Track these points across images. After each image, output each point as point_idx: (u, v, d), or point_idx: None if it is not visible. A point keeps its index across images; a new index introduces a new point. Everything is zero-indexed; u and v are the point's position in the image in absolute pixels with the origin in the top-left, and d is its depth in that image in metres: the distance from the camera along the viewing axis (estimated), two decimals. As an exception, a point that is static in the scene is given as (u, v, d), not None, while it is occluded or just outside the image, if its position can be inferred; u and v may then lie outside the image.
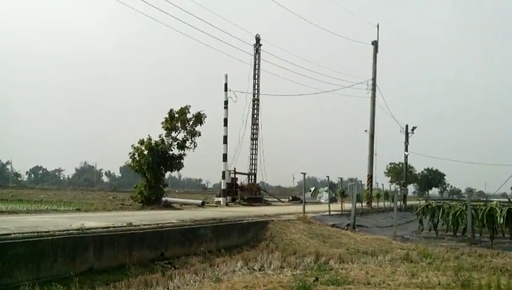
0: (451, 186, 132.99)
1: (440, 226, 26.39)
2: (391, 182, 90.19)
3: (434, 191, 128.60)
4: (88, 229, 13.50)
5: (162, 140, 32.13)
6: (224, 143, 41.56)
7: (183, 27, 37.22)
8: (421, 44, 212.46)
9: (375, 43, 48.81)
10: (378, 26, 49.18)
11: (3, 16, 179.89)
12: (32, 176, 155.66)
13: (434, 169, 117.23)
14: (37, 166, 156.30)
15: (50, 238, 11.90)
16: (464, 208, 23.78)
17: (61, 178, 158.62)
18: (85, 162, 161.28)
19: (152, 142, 31.52)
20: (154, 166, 31.15)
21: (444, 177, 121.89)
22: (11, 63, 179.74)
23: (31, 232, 12.17)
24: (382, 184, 52.63)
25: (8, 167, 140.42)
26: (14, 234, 11.80)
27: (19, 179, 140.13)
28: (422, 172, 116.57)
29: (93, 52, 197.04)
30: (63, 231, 12.90)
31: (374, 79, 48.43)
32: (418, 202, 37.87)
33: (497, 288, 10.92)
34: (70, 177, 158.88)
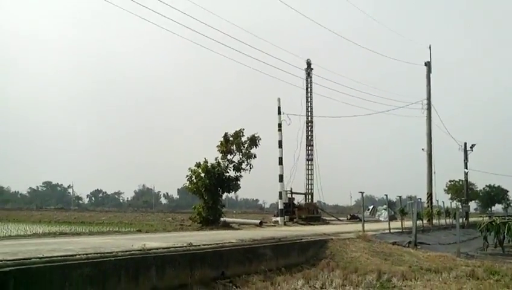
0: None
1: (506, 242, 25.55)
2: (452, 199, 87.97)
3: (497, 208, 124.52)
4: (150, 250, 13.69)
5: (218, 163, 32.44)
6: (279, 164, 41.83)
7: (236, 55, 37.94)
8: (476, 61, 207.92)
9: (428, 64, 48.71)
10: (430, 48, 49.15)
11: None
12: (93, 199, 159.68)
13: (496, 185, 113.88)
14: (97, 189, 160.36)
15: (113, 259, 12.11)
16: (531, 223, 22.98)
17: (121, 201, 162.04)
18: (143, 184, 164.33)
19: (208, 164, 31.84)
20: (211, 188, 31.43)
21: (507, 193, 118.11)
22: (69, 92, 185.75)
23: (94, 253, 12.43)
24: (443, 201, 51.59)
25: (70, 190, 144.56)
26: (78, 255, 12.07)
27: (80, 202, 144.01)
28: (484, 189, 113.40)
29: (148, 80, 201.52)
30: (126, 251, 13.12)
31: (428, 98, 48.13)
32: (481, 218, 36.81)
33: None
34: (129, 199, 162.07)
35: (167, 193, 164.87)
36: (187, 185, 32.49)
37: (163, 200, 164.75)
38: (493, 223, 26.11)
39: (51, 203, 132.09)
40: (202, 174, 31.61)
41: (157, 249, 14.17)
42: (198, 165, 31.93)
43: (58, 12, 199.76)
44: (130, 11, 26.15)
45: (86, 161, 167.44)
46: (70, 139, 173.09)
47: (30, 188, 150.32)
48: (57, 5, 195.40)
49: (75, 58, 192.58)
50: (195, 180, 31.74)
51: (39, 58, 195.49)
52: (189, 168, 32.03)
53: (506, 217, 29.01)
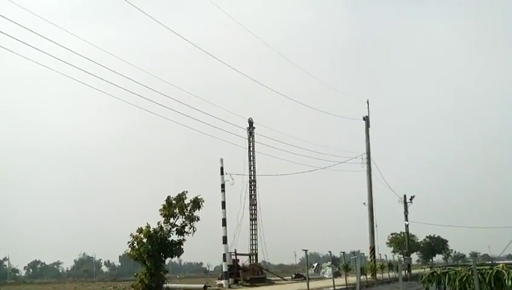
0: (455, 252, 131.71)
1: (448, 293, 25.96)
2: (394, 252, 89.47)
3: (438, 258, 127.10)
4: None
5: (161, 227, 31.96)
6: (223, 225, 41.65)
7: (178, 116, 38.27)
8: (413, 114, 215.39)
9: (366, 118, 50.26)
10: (368, 102, 50.78)
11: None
12: (31, 270, 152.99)
13: (436, 236, 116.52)
14: (35, 260, 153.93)
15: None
16: (470, 273, 23.45)
17: (60, 271, 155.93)
18: (84, 253, 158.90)
19: (151, 229, 31.35)
20: (154, 253, 30.83)
21: (447, 243, 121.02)
22: (7, 162, 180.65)
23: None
24: (385, 255, 52.47)
25: (6, 263, 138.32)
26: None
27: (17, 274, 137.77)
28: (424, 240, 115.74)
29: (86, 148, 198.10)
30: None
31: (368, 153, 49.58)
32: (422, 270, 37.39)
33: None
34: (69, 269, 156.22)
35: (108, 261, 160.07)
36: (129, 251, 31.77)
37: (104, 269, 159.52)
38: (434, 274, 26.47)
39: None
40: (144, 240, 31.01)
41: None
42: (140, 230, 31.35)
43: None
44: (70, 76, 26.05)
45: (22, 232, 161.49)
46: (5, 210, 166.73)
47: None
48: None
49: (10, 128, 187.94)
50: (137, 247, 31.07)
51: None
52: (131, 234, 31.41)
53: (447, 267, 29.53)
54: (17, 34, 21.65)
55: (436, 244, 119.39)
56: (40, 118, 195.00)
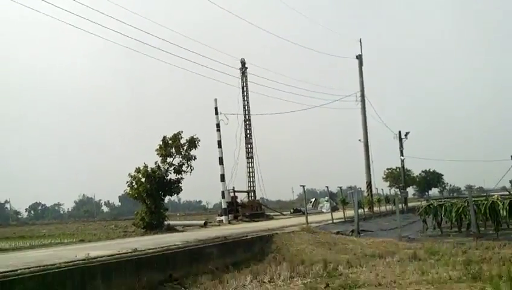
0: (450, 185, 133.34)
1: (444, 224, 26.41)
2: (390, 186, 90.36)
3: (434, 192, 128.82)
4: (94, 258, 13.48)
5: (158, 166, 32.17)
6: (220, 164, 41.89)
7: (171, 58, 37.71)
8: (405, 54, 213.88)
9: (359, 57, 50.08)
10: (360, 41, 50.65)
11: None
12: (32, 212, 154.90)
13: (432, 170, 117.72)
14: (36, 202, 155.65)
15: (57, 270, 11.88)
16: (466, 204, 23.79)
17: (61, 212, 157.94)
18: (83, 194, 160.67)
19: (148, 169, 31.54)
20: (152, 192, 31.16)
21: (442, 177, 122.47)
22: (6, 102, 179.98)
23: (37, 267, 12.14)
24: (382, 189, 52.94)
25: (7, 205, 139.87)
26: (20, 269, 11.76)
27: (19, 216, 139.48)
28: (420, 174, 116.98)
29: (83, 90, 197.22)
30: (69, 262, 12.87)
31: (362, 91, 49.57)
32: (419, 203, 37.92)
33: (508, 277, 10.92)
34: (70, 210, 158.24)
35: (108, 201, 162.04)
36: (128, 191, 32.07)
37: (104, 209, 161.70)
38: (431, 206, 26.89)
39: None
40: (143, 179, 31.28)
41: (101, 257, 13.95)
42: (138, 170, 31.57)
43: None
44: (61, 20, 25.63)
45: (23, 174, 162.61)
46: (3, 153, 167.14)
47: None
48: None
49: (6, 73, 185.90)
50: (136, 186, 31.36)
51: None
52: (129, 174, 31.64)
53: (443, 200, 29.97)
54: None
55: (431, 178, 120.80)
56: (35, 64, 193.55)
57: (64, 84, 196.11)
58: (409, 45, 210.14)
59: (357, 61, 50.44)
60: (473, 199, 23.53)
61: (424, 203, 30.61)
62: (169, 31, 35.67)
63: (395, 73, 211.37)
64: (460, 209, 24.32)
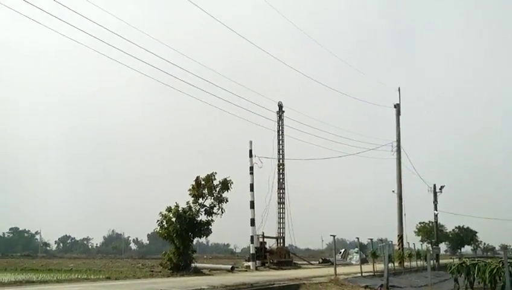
0: (484, 244, 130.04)
1: (476, 284, 25.66)
2: (422, 241, 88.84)
3: (467, 249, 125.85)
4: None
5: (190, 207, 32.17)
6: (251, 208, 41.71)
7: (208, 97, 38.13)
8: (445, 104, 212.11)
9: (397, 106, 49.82)
10: (399, 90, 50.43)
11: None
12: (61, 245, 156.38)
13: (465, 227, 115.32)
14: (66, 235, 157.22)
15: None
16: (501, 265, 23.13)
17: (90, 247, 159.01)
18: (113, 230, 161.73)
19: (180, 209, 31.57)
20: (182, 233, 31.08)
21: (476, 234, 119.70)
22: (40, 136, 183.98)
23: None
24: (413, 244, 51.96)
25: (37, 236, 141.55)
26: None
27: (48, 248, 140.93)
28: (453, 230, 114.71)
29: (117, 124, 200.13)
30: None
31: (398, 141, 49.14)
32: (451, 260, 37.01)
33: None
34: (98, 245, 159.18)
35: (137, 239, 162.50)
36: (158, 230, 32.06)
37: (133, 246, 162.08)
38: (463, 264, 26.21)
39: (17, 250, 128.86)
40: (173, 219, 31.28)
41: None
42: (169, 209, 31.63)
43: (26, 51, 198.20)
44: (100, 52, 26.18)
45: (54, 206, 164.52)
46: (39, 184, 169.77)
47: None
48: (22, 44, 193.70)
49: (46, 100, 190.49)
50: (166, 225, 31.36)
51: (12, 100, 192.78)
52: (160, 213, 31.69)
53: (476, 259, 29.19)
54: (45, 5, 21.73)
55: (465, 235, 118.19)
56: (71, 92, 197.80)
57: (102, 118, 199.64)
58: (447, 94, 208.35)
59: (394, 110, 50.18)
60: (509, 261, 22.87)
61: (457, 261, 29.86)
62: (208, 69, 36.14)
63: (432, 123, 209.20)
64: (495, 270, 23.64)
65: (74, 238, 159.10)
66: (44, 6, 21.22)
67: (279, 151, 48.19)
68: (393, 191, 48.65)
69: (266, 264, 41.62)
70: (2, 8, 21.51)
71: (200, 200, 32.63)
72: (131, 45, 26.62)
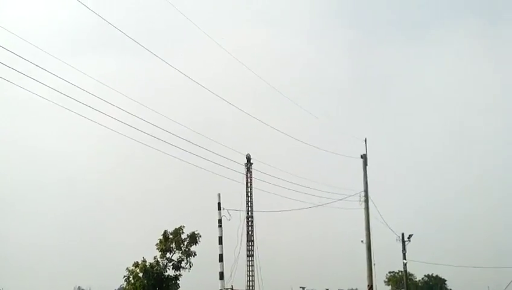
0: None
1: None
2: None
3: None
4: None
5: (157, 261, 31.88)
6: (220, 261, 41.26)
7: (176, 151, 38.22)
8: (411, 154, 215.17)
9: (364, 156, 50.39)
10: (365, 141, 51.16)
11: None
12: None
13: (434, 275, 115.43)
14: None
15: None
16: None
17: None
18: (78, 286, 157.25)
19: (147, 264, 31.19)
20: (149, 288, 30.63)
21: (446, 282, 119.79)
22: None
23: None
24: (384, 294, 51.81)
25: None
26: None
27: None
28: (422, 279, 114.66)
29: (82, 180, 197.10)
30: None
31: (366, 191, 49.51)
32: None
33: None
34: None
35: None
36: (124, 286, 31.57)
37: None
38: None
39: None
40: (140, 274, 30.88)
41: None
42: (136, 264, 31.23)
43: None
44: (70, 109, 26.14)
45: (16, 264, 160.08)
46: (3, 243, 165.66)
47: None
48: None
49: (13, 156, 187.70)
50: (132, 281, 30.91)
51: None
52: (127, 268, 31.28)
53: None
54: (16, 64, 21.74)
55: (434, 284, 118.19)
56: (38, 149, 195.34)
57: (62, 173, 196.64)
58: (417, 145, 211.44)
59: (361, 160, 50.78)
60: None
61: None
62: (175, 124, 36.22)
63: (399, 173, 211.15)
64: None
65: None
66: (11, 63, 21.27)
67: (247, 204, 48.11)
68: (362, 241, 48.76)
69: (236, 319, 41.01)
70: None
71: (168, 255, 32.36)
72: (100, 101, 26.70)
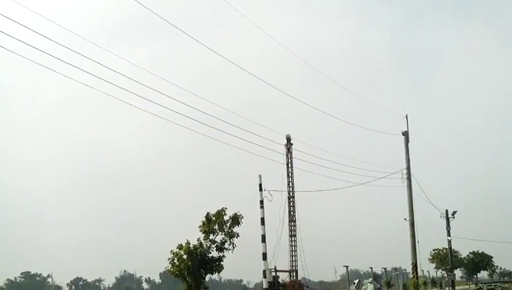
0: (501, 268, 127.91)
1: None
2: (436, 268, 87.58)
3: (483, 275, 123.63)
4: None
5: (201, 243, 32.16)
6: (262, 242, 41.40)
7: (216, 133, 38.26)
8: (453, 130, 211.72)
9: (405, 133, 49.71)
10: (407, 117, 50.37)
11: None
12: (73, 287, 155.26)
13: (480, 252, 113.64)
14: (78, 277, 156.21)
15: None
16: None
17: (102, 288, 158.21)
18: (124, 270, 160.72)
19: (190, 246, 31.52)
20: (194, 270, 31.00)
21: (492, 259, 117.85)
22: (51, 181, 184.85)
23: None
24: (428, 271, 51.37)
25: (49, 280, 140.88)
26: None
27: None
28: (468, 255, 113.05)
29: (126, 165, 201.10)
30: None
31: (408, 168, 48.96)
32: (467, 286, 36.59)
33: None
34: (110, 286, 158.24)
35: (149, 278, 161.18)
36: (169, 268, 31.99)
37: (145, 286, 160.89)
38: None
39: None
40: (184, 256, 31.23)
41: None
42: (180, 247, 31.59)
43: (42, 100, 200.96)
44: (113, 95, 26.51)
45: (65, 249, 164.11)
46: (49, 228, 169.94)
47: (8, 279, 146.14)
48: (39, 93, 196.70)
49: (61, 145, 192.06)
50: (177, 263, 31.30)
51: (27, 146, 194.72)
52: (171, 251, 31.67)
53: (493, 284, 28.92)
54: (60, 54, 22.16)
55: (480, 261, 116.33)
56: (82, 135, 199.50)
57: (105, 159, 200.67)
58: (457, 121, 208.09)
59: (403, 137, 50.13)
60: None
61: (473, 287, 29.57)
62: (216, 106, 36.31)
63: (442, 149, 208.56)
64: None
65: (86, 280, 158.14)
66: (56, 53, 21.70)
67: (288, 184, 48.06)
68: (405, 219, 48.27)
69: (280, 298, 41.20)
70: (18, 58, 21.92)
71: (211, 236, 32.61)
72: (141, 87, 26.95)
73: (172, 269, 31.65)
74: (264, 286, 40.90)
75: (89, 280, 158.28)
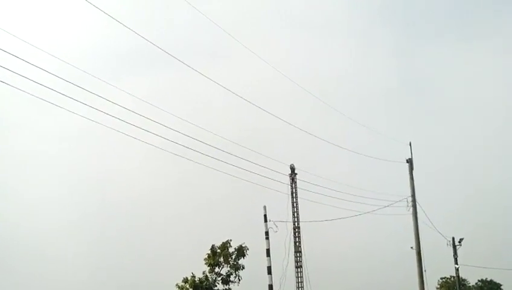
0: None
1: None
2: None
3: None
4: None
5: (206, 276, 32.05)
6: (268, 274, 41.10)
7: (221, 165, 38.30)
8: (458, 157, 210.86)
9: (409, 161, 49.71)
10: (410, 144, 50.44)
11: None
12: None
13: (489, 279, 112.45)
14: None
15: None
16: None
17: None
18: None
19: (196, 279, 31.34)
20: (200, 304, 30.77)
21: (501, 287, 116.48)
22: (56, 217, 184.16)
23: None
24: (436, 301, 50.75)
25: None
26: None
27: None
28: (476, 283, 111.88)
29: (128, 199, 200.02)
30: None
31: (413, 196, 48.81)
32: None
33: None
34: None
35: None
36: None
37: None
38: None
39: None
40: (190, 290, 31.03)
41: None
42: (185, 280, 31.46)
43: (44, 132, 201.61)
44: (115, 128, 26.56)
45: (64, 280, 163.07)
46: (55, 263, 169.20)
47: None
48: (42, 126, 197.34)
49: (64, 180, 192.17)
50: (183, 297, 31.09)
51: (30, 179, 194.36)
52: (176, 284, 31.52)
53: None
54: (61, 88, 22.21)
55: (489, 288, 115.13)
56: (84, 169, 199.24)
57: (109, 193, 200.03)
58: (461, 146, 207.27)
59: (406, 165, 50.15)
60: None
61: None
62: (219, 137, 36.38)
63: (447, 176, 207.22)
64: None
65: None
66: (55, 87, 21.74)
67: (293, 214, 47.79)
68: (411, 248, 47.99)
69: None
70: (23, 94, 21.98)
71: (216, 269, 32.48)
72: (145, 120, 27.00)
73: (178, 303, 31.43)
74: (270, 320, 40.47)
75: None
